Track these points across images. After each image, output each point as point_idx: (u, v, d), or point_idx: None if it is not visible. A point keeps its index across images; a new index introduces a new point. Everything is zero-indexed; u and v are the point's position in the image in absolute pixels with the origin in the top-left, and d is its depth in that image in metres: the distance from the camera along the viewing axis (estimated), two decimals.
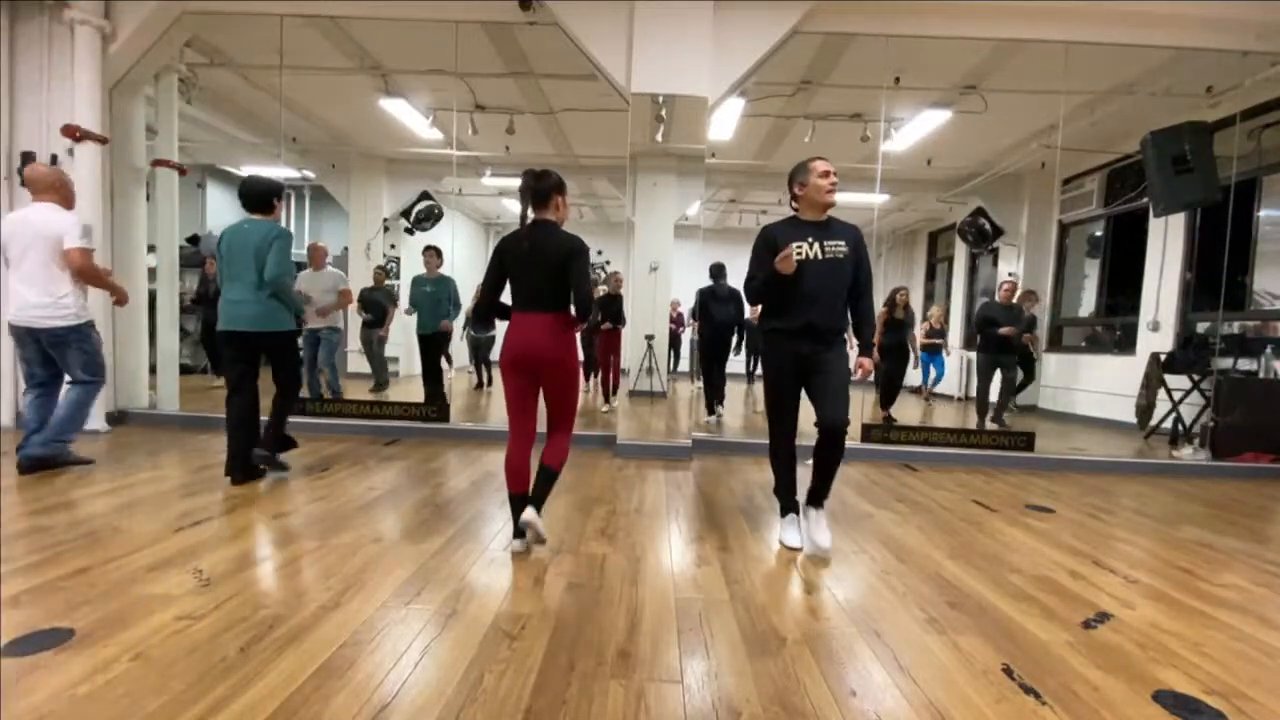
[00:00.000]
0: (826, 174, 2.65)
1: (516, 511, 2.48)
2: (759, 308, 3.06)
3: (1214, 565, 2.68)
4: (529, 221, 2.51)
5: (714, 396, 6.10)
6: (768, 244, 2.68)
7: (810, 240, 2.63)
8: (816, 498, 2.75)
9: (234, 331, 3.27)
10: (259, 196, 3.32)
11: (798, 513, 2.80)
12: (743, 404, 7.99)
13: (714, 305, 5.91)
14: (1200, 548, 2.93)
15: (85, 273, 3.36)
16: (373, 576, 2.17)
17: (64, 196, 3.42)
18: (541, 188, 2.48)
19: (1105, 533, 3.12)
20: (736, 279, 5.97)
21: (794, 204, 2.77)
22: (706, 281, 6.02)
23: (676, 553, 2.57)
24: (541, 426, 2.57)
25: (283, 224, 3.46)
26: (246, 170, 9.66)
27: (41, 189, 3.35)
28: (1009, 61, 5.32)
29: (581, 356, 3.06)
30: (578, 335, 2.67)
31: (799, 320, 2.64)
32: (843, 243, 2.66)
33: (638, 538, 2.72)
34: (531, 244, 2.44)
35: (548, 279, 2.44)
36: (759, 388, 9.63)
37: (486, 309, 2.60)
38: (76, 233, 3.30)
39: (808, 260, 2.61)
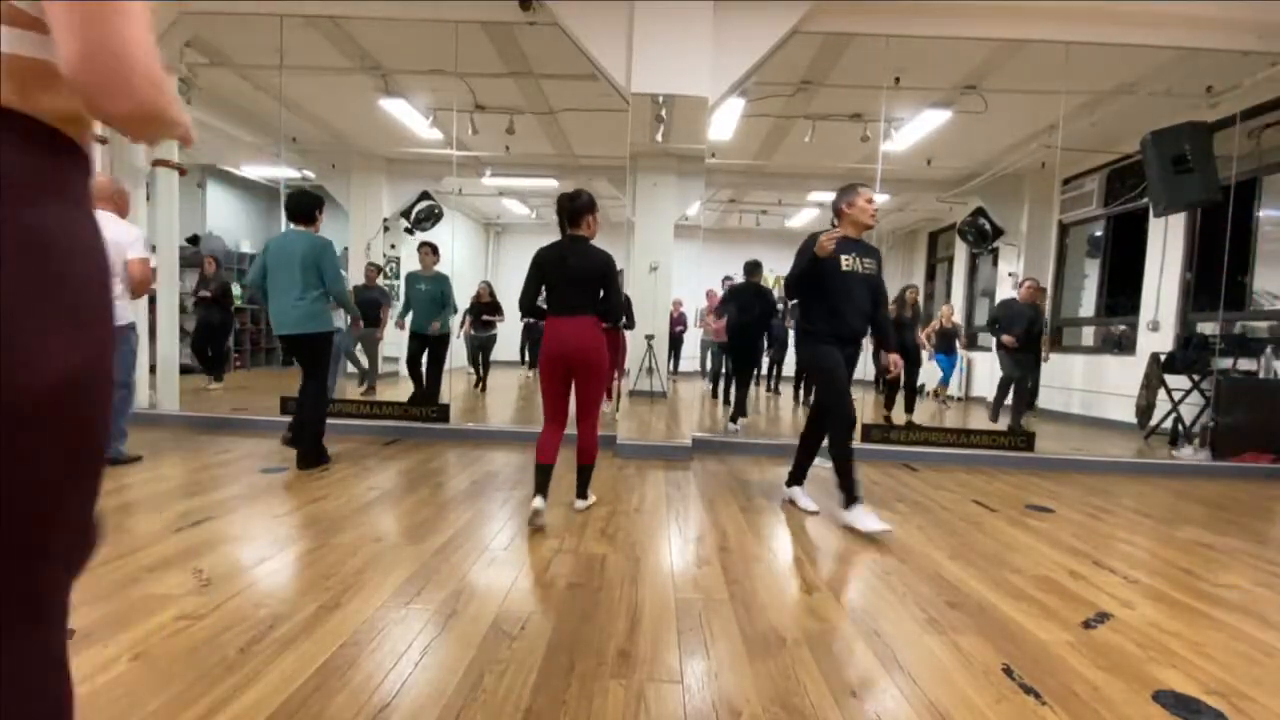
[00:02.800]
0: (871, 200, 3.04)
1: (539, 477, 2.82)
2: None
3: (1214, 565, 2.68)
4: (566, 237, 2.90)
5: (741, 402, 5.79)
6: (812, 247, 2.96)
7: (854, 255, 3.03)
8: (797, 479, 3.34)
9: (283, 335, 3.64)
10: (302, 209, 3.61)
11: (859, 498, 3.02)
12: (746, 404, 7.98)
13: (731, 307, 5.74)
14: (1200, 548, 2.93)
15: (145, 283, 3.42)
16: (373, 576, 2.17)
17: (119, 206, 3.48)
18: (575, 208, 2.88)
19: (1105, 533, 3.12)
20: (742, 279, 5.92)
21: (836, 219, 3.12)
22: (717, 282, 5.85)
23: (676, 553, 2.57)
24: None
25: (322, 233, 3.75)
26: (246, 170, 9.70)
27: (101, 198, 3.36)
28: (1009, 61, 5.31)
29: None
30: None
31: (846, 327, 3.05)
32: (873, 261, 3.10)
33: (638, 538, 2.72)
34: (575, 259, 2.84)
35: (583, 289, 2.85)
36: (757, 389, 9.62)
37: (528, 310, 2.97)
38: (141, 244, 3.36)
39: (852, 271, 3.02)
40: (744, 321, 5.72)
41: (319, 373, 3.74)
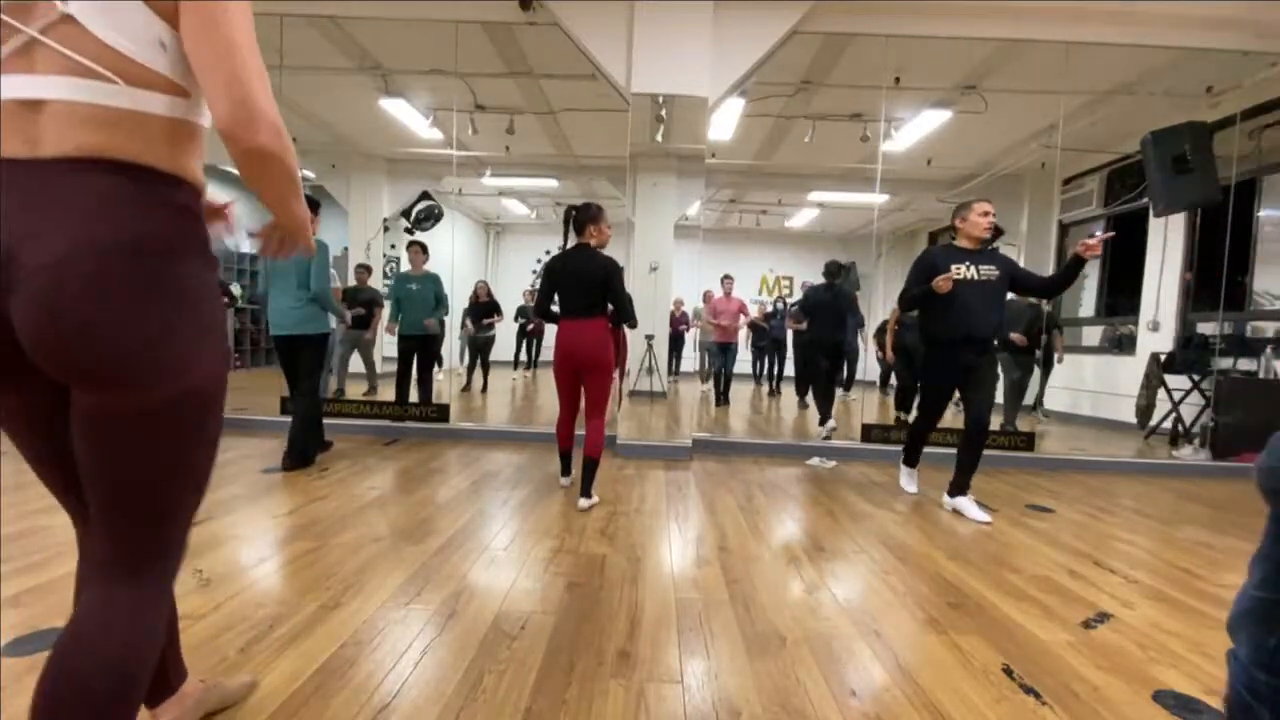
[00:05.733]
0: (986, 214, 3.27)
1: (563, 461, 3.50)
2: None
3: (1214, 565, 2.68)
4: (574, 245, 3.17)
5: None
6: (928, 265, 3.29)
7: (967, 264, 3.24)
8: (960, 488, 3.33)
9: (278, 336, 3.71)
10: None
11: (915, 466, 3.74)
12: (749, 404, 7.99)
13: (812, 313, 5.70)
14: (1200, 548, 2.93)
15: None
16: (373, 576, 2.17)
17: None
18: (580, 219, 3.15)
19: (1105, 533, 3.12)
20: (742, 281, 5.81)
21: (952, 232, 3.40)
22: (715, 282, 5.77)
23: (676, 553, 2.57)
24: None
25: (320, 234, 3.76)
26: None
27: None
28: (1009, 61, 5.31)
29: None
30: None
31: (960, 331, 3.20)
32: (994, 267, 3.25)
33: (638, 538, 2.72)
34: (576, 265, 3.11)
35: (590, 293, 3.10)
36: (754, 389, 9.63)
37: (542, 314, 3.28)
38: None
39: (965, 281, 3.19)
40: (826, 332, 5.60)
41: (311, 377, 3.75)
